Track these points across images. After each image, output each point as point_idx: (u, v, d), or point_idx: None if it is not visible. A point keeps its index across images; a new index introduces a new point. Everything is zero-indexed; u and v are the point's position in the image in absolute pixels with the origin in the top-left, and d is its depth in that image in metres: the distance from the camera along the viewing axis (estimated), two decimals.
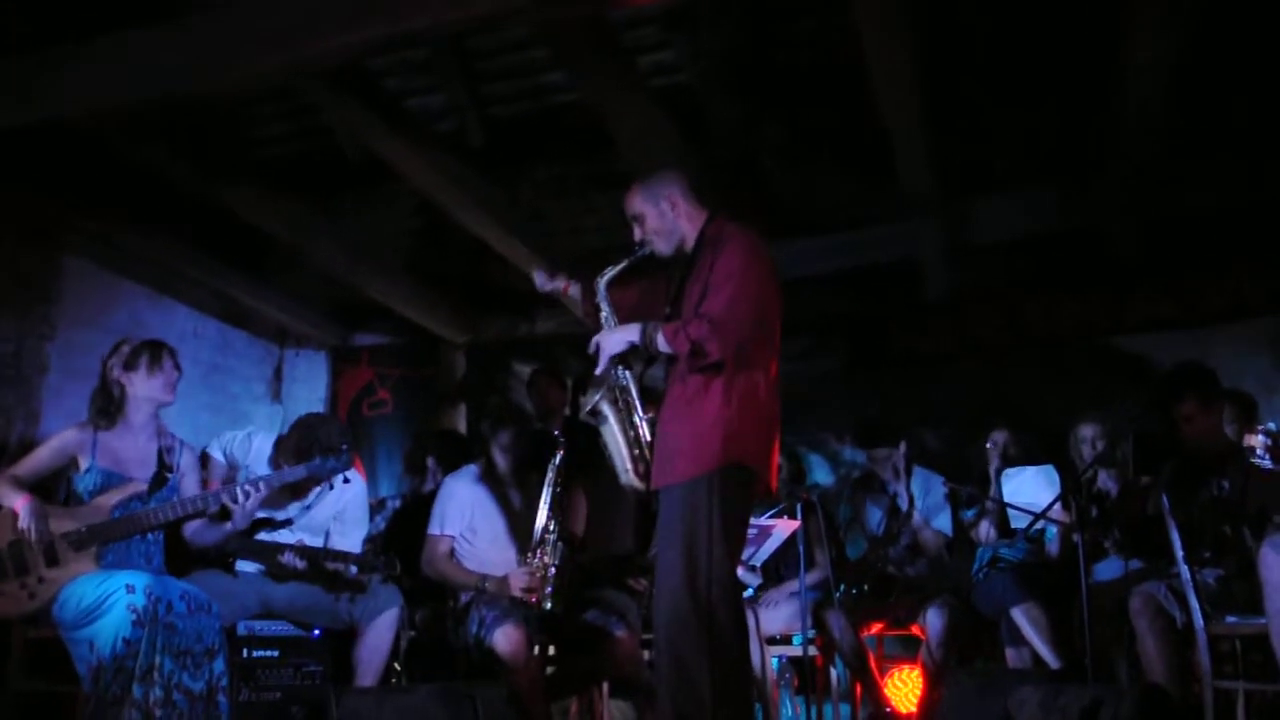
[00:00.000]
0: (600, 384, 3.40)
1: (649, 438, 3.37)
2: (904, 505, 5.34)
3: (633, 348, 3.38)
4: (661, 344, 3.28)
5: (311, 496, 4.39)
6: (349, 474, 4.27)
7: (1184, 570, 3.91)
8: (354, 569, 4.28)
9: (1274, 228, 5.66)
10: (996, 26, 5.10)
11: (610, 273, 3.50)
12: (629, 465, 3.39)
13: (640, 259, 3.53)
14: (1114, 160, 5.18)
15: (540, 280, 3.79)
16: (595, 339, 3.43)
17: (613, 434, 3.40)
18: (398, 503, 5.78)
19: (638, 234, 3.54)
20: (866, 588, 5.21)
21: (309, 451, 4.16)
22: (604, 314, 3.50)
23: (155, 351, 3.98)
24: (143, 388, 3.94)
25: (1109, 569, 4.69)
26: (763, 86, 5.58)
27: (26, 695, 3.76)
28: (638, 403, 3.41)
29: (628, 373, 3.42)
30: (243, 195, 5.46)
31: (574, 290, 3.73)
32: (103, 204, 5.56)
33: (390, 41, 3.82)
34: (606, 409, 3.39)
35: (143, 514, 3.79)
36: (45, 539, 3.61)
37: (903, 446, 5.41)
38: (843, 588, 5.00)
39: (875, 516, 5.45)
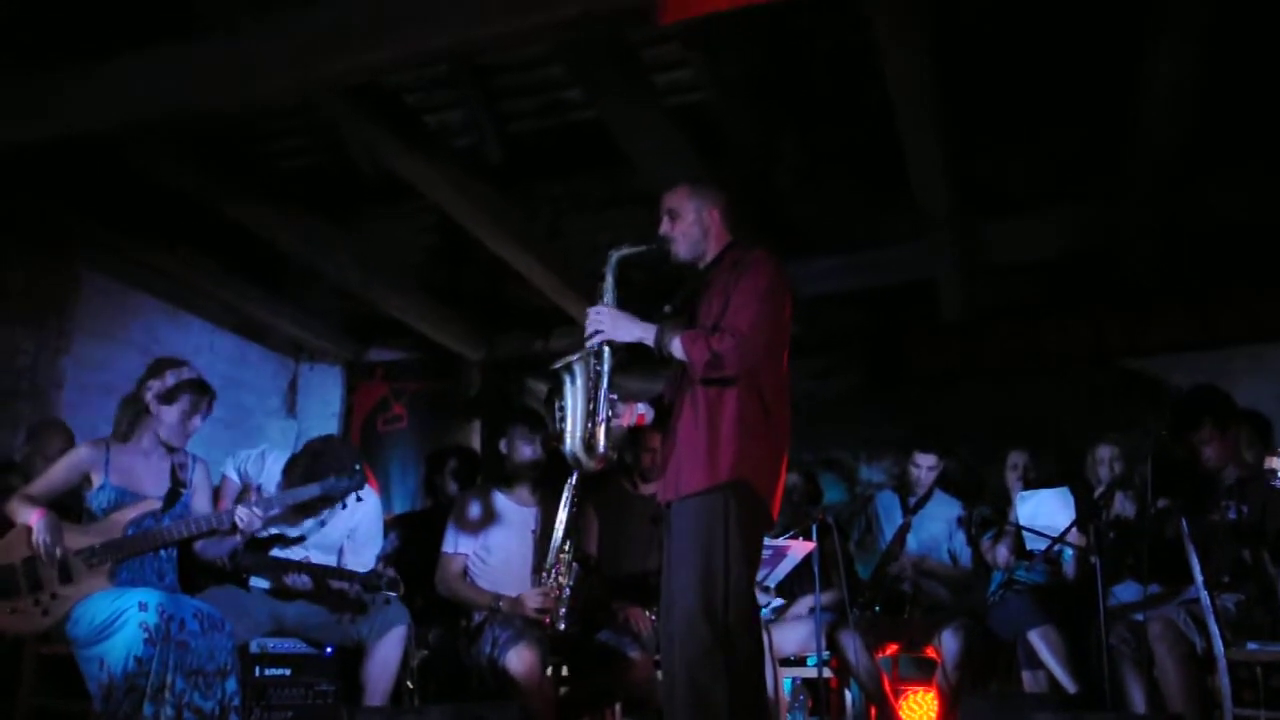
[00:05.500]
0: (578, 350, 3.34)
1: (605, 415, 3.28)
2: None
3: (638, 342, 3.30)
4: (676, 348, 3.22)
5: (325, 514, 4.38)
6: (362, 492, 4.25)
7: (1203, 596, 3.86)
8: (358, 588, 4.26)
9: None
10: (1015, 46, 5.08)
11: (626, 250, 3.42)
12: (578, 433, 3.28)
13: (656, 251, 3.46)
14: (1133, 178, 5.14)
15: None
16: (598, 312, 3.33)
17: (574, 396, 3.30)
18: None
19: (665, 227, 3.49)
20: (878, 608, 5.19)
21: (318, 475, 4.14)
22: (606, 284, 3.39)
23: (197, 399, 3.94)
24: (168, 424, 3.91)
25: (1127, 591, 4.64)
26: (780, 104, 5.57)
27: (38, 712, 3.73)
28: (608, 380, 3.30)
29: (608, 350, 3.32)
30: (259, 210, 5.47)
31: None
32: (119, 218, 5.58)
33: (410, 60, 3.82)
34: (578, 369, 3.31)
35: (156, 531, 3.79)
36: (59, 554, 3.60)
37: (940, 464, 5.44)
38: (856, 611, 4.97)
39: (890, 529, 5.45)
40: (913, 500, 5.49)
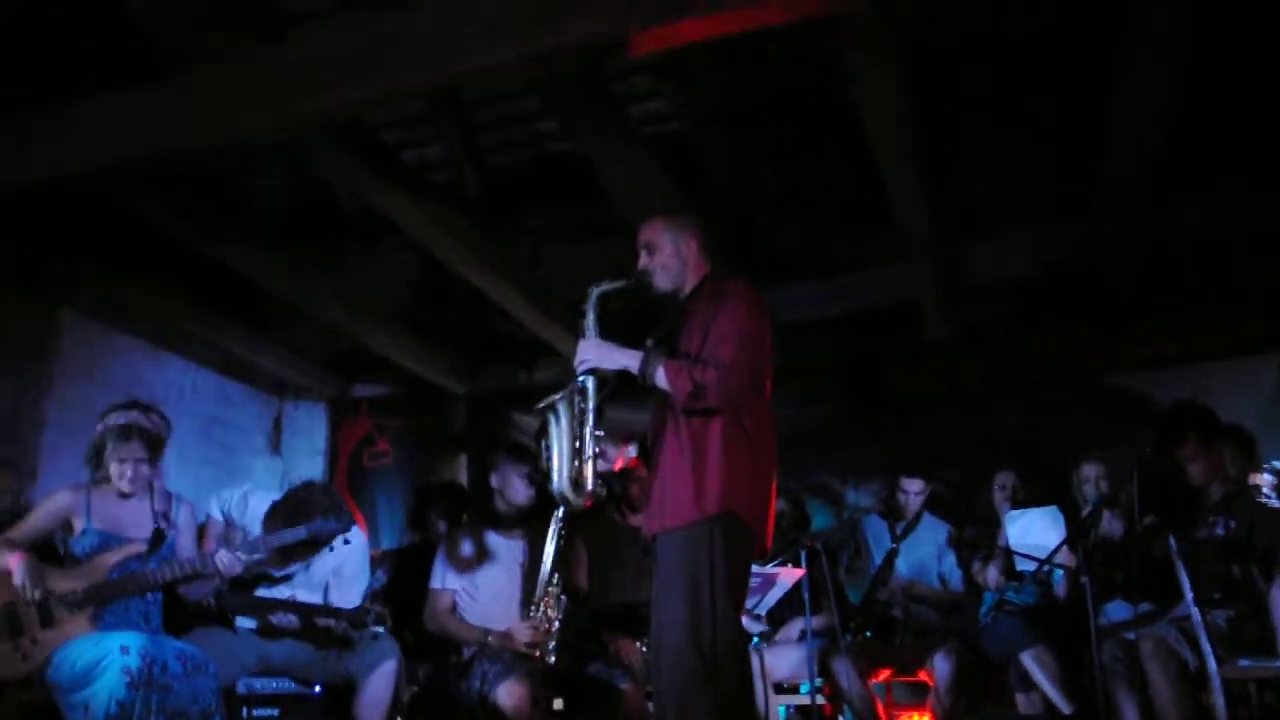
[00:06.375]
0: (563, 386, 3.34)
1: (591, 452, 3.28)
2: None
3: (624, 371, 3.30)
4: (660, 379, 3.22)
5: (311, 559, 4.34)
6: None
7: (1194, 612, 3.86)
8: (345, 625, 4.22)
9: (1269, 261, 5.67)
10: (987, 72, 5.11)
11: (605, 286, 3.41)
12: (565, 472, 3.27)
13: (635, 285, 3.46)
14: (1110, 197, 5.17)
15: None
16: (584, 346, 3.33)
17: (559, 435, 3.30)
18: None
19: (642, 260, 3.49)
20: (869, 634, 5.17)
21: (301, 521, 4.10)
22: (588, 320, 3.39)
23: (119, 446, 3.85)
24: (115, 476, 3.87)
25: (1119, 610, 4.64)
26: (756, 133, 5.59)
27: None
28: (593, 417, 3.30)
29: (592, 384, 3.32)
30: (240, 248, 5.45)
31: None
32: (100, 259, 5.55)
33: (387, 97, 3.82)
34: (562, 408, 3.31)
35: (141, 574, 3.75)
36: (40, 597, 3.56)
37: (927, 488, 5.43)
38: (848, 637, 4.95)
39: (879, 554, 5.45)
40: (900, 526, 5.48)
